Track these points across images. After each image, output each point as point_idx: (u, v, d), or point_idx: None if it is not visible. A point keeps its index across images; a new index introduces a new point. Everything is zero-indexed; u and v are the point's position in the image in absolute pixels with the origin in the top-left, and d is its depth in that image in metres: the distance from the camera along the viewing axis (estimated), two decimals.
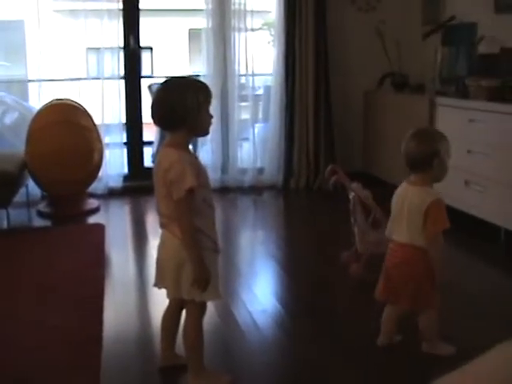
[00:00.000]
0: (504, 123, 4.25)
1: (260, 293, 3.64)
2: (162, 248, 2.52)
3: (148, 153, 6.83)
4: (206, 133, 2.55)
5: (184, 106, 2.33)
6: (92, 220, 5.09)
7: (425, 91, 5.56)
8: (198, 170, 2.40)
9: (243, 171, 6.26)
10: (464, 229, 4.50)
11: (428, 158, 2.66)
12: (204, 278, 2.36)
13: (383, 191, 5.78)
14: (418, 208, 2.65)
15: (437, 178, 2.73)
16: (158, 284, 2.57)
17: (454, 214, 2.87)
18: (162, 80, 2.51)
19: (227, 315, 3.26)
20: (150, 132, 7.48)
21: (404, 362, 2.80)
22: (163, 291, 2.55)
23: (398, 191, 2.81)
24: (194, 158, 2.48)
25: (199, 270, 2.35)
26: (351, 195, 3.78)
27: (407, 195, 2.73)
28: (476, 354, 1.01)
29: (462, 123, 4.60)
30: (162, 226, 2.50)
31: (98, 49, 5.86)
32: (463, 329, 3.05)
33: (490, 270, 4.04)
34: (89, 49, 5.87)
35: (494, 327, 3.03)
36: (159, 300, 3.48)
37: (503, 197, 4.25)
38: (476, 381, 0.76)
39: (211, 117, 2.47)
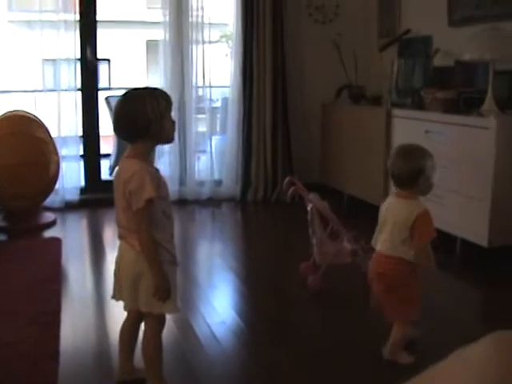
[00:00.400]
0: (459, 134, 4.32)
1: (219, 305, 3.62)
2: (119, 260, 2.50)
3: (105, 165, 6.78)
4: (170, 140, 2.52)
5: (145, 115, 2.32)
6: (48, 234, 5.02)
7: (381, 103, 5.62)
8: (158, 181, 2.39)
9: (201, 183, 6.25)
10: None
11: (414, 176, 2.72)
12: (165, 288, 2.35)
13: (341, 202, 5.86)
14: (405, 221, 2.70)
15: (422, 193, 2.80)
16: (116, 296, 2.54)
17: None
18: (120, 92, 2.49)
19: (186, 328, 3.24)
20: (107, 144, 7.43)
21: (364, 369, 2.81)
22: (121, 305, 2.52)
23: (386, 204, 2.85)
24: (154, 169, 2.47)
25: (160, 280, 2.34)
26: (309, 206, 3.79)
27: (393, 208, 2.78)
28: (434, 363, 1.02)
29: (418, 134, 4.65)
30: (121, 237, 2.48)
31: (55, 60, 5.79)
32: (428, 336, 3.07)
33: (446, 280, 4.08)
34: (45, 60, 5.80)
35: (452, 336, 3.06)
36: (117, 314, 3.44)
37: (459, 207, 4.31)
38: None
39: (174, 123, 2.45)
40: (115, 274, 2.53)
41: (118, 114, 2.39)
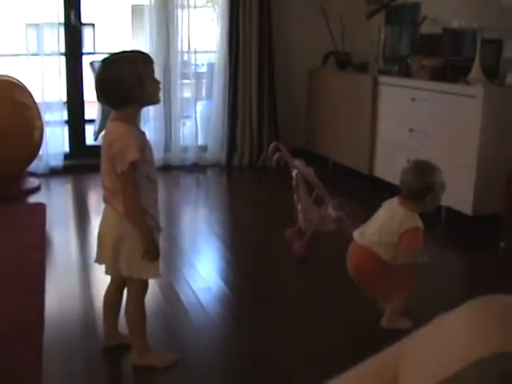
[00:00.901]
0: (445, 102, 4.32)
1: (203, 271, 3.62)
2: (103, 223, 2.49)
3: (90, 131, 6.72)
4: (155, 102, 2.49)
5: (123, 82, 2.29)
6: (33, 200, 4.99)
7: (368, 70, 5.59)
8: (143, 144, 2.37)
9: (186, 149, 6.22)
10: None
11: (423, 192, 2.76)
12: (154, 249, 2.35)
13: (326, 169, 5.87)
14: (396, 229, 2.74)
15: (427, 208, 2.84)
16: (99, 260, 2.54)
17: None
18: (104, 57, 2.46)
19: (171, 293, 3.24)
20: (92, 110, 7.37)
21: (352, 332, 2.83)
22: (103, 268, 2.52)
23: (386, 204, 2.87)
24: (140, 132, 2.45)
25: (148, 242, 2.34)
26: (294, 172, 3.79)
27: (392, 212, 2.80)
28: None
29: (404, 102, 4.65)
30: (105, 200, 2.47)
31: (38, 24, 5.71)
32: (412, 303, 3.09)
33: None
34: (28, 24, 5.72)
35: (437, 304, 3.08)
36: (102, 280, 3.44)
37: (444, 175, 4.31)
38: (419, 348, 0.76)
39: (158, 83, 2.42)
40: (98, 237, 2.52)
41: (98, 81, 2.36)
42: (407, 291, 2.86)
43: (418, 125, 4.55)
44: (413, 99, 4.59)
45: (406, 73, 4.96)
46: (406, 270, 2.83)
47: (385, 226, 2.78)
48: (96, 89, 2.37)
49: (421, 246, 2.77)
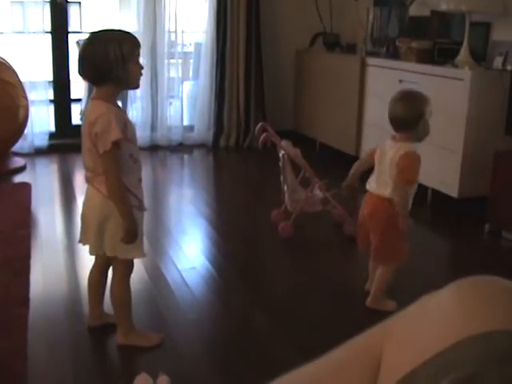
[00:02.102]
0: (433, 85, 4.31)
1: (189, 251, 3.62)
2: (86, 204, 2.48)
3: (76, 110, 6.67)
4: (135, 85, 2.47)
5: (106, 58, 2.26)
6: (18, 179, 4.96)
7: (356, 51, 5.58)
8: (125, 123, 2.35)
9: (172, 129, 6.20)
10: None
11: (413, 120, 2.75)
12: (133, 231, 2.34)
13: (313, 150, 5.86)
14: (392, 160, 2.74)
15: (419, 137, 2.83)
16: (82, 241, 2.52)
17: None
18: (92, 31, 2.43)
19: (156, 273, 3.24)
20: (79, 89, 7.32)
21: (335, 316, 2.84)
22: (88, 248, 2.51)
23: (382, 147, 2.86)
24: (122, 111, 2.43)
25: (129, 223, 2.32)
26: (281, 153, 3.78)
27: (387, 149, 2.81)
28: None
29: (392, 84, 4.64)
30: (87, 180, 2.45)
31: (23, 2, 5.64)
32: (398, 285, 3.10)
33: (416, 229, 4.12)
34: (13, 1, 5.65)
35: (422, 285, 3.10)
36: (87, 259, 3.43)
37: (431, 158, 4.32)
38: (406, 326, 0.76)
39: (141, 68, 2.42)
40: (82, 218, 2.51)
41: (80, 56, 2.34)
42: (399, 261, 2.88)
43: None
44: (400, 81, 4.58)
45: (393, 55, 4.95)
46: (403, 235, 2.85)
47: (383, 164, 2.79)
48: (78, 62, 2.34)
49: (416, 182, 2.78)
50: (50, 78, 5.93)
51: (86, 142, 2.36)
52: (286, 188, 3.81)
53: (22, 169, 5.19)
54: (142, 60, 2.43)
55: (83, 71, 2.36)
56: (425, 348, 0.66)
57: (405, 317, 0.76)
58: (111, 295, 2.54)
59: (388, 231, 2.81)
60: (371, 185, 2.86)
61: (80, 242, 2.54)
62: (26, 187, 4.65)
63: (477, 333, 0.63)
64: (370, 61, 5.10)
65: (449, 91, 4.18)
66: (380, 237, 2.83)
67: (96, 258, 2.60)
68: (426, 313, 0.73)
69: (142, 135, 5.99)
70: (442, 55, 4.54)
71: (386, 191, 2.77)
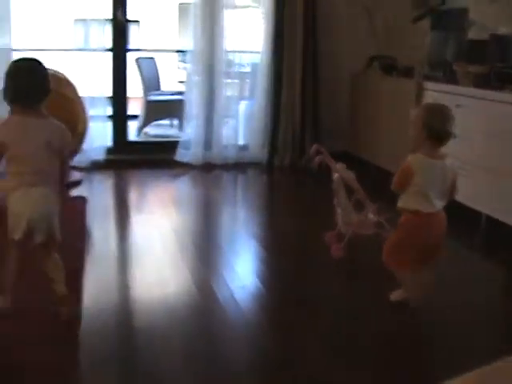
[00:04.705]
0: (490, 110, 4.26)
1: (241, 270, 3.63)
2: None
3: (132, 127, 6.78)
4: None
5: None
6: (74, 193, 5.05)
7: (413, 75, 5.55)
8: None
9: (228, 148, 6.24)
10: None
11: (447, 137, 2.93)
12: None
13: (367, 173, 5.83)
14: (445, 177, 2.92)
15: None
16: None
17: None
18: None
19: (207, 291, 3.25)
20: (136, 106, 7.45)
21: (383, 335, 2.81)
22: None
23: (427, 168, 2.91)
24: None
25: None
26: (335, 176, 3.77)
27: (437, 169, 2.92)
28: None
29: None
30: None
31: (85, 20, 5.78)
32: (449, 316, 3.06)
33: (469, 256, 4.06)
34: (76, 20, 5.79)
35: (477, 314, 3.06)
36: (140, 273, 3.48)
37: (486, 183, 4.27)
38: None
39: None
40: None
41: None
42: None
43: (462, 132, 4.47)
44: (458, 106, 4.53)
45: (451, 79, 4.91)
46: None
47: (442, 182, 2.90)
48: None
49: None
50: (109, 94, 6.05)
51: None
52: (339, 210, 3.80)
53: (78, 182, 5.28)
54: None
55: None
56: None
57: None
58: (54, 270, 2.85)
59: None
60: (436, 203, 2.91)
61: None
62: (82, 201, 4.73)
63: None
64: (427, 85, 5.06)
65: (507, 116, 4.12)
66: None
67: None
68: None
69: (196, 153, 6.06)
70: (500, 80, 4.48)
71: (442, 202, 2.95)
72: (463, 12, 5.29)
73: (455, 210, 4.44)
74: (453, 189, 2.94)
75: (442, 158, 2.93)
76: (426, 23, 5.68)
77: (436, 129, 2.88)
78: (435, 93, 4.93)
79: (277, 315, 3.07)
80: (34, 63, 2.82)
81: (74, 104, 5.10)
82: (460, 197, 4.41)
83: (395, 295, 3.11)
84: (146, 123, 7.96)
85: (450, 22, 5.45)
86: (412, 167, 2.91)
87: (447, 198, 2.96)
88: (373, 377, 2.51)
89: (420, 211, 2.91)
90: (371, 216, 3.78)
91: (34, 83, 2.77)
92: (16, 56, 3.17)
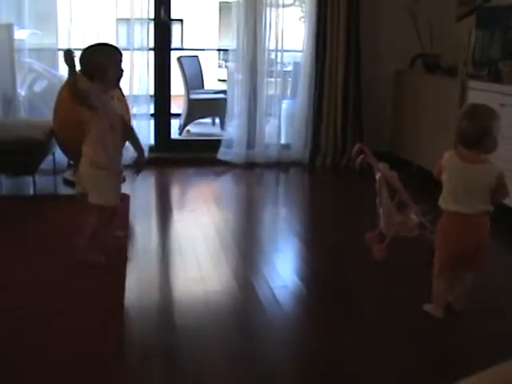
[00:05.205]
0: None
1: (282, 269, 3.63)
2: None
3: (175, 125, 6.82)
4: (112, 86, 3.47)
5: (90, 63, 3.28)
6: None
7: (457, 74, 5.48)
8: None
9: (270, 147, 6.24)
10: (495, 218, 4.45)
11: (479, 136, 2.74)
12: None
13: (410, 174, 5.78)
14: (483, 183, 2.79)
15: (487, 151, 2.82)
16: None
17: None
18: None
19: (249, 290, 3.27)
20: (178, 104, 7.49)
21: (425, 338, 2.79)
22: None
23: (455, 168, 2.86)
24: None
25: None
26: (377, 176, 3.75)
27: (466, 171, 2.82)
28: None
29: (493, 107, 4.53)
30: None
31: (128, 20, 5.84)
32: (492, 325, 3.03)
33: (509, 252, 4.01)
34: (119, 19, 5.85)
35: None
36: (181, 270, 3.51)
37: None
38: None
39: (121, 72, 3.37)
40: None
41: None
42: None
43: (507, 132, 4.42)
44: (502, 105, 4.47)
45: (495, 77, 4.84)
46: None
47: (476, 185, 2.80)
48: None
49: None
50: (152, 92, 6.10)
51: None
52: (381, 211, 3.78)
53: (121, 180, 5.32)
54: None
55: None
56: None
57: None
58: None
59: (488, 240, 2.88)
60: (471, 205, 2.82)
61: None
62: (124, 198, 4.76)
63: None
64: (471, 84, 5.00)
65: None
66: (485, 249, 2.87)
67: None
68: None
69: (238, 152, 6.08)
70: None
71: (482, 206, 2.82)
72: (509, 9, 5.21)
73: (507, 214, 4.40)
74: (499, 192, 2.81)
75: (480, 162, 2.81)
76: (471, 21, 5.62)
77: (462, 132, 2.80)
78: (479, 92, 4.87)
79: (317, 315, 3.06)
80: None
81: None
82: (509, 200, 4.36)
83: (428, 307, 3.03)
84: (188, 121, 8.01)
85: (495, 19, 5.38)
86: (442, 162, 2.91)
87: (490, 202, 2.84)
88: (412, 375, 2.50)
89: (447, 210, 2.87)
90: (413, 217, 3.75)
91: None
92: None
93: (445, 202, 2.89)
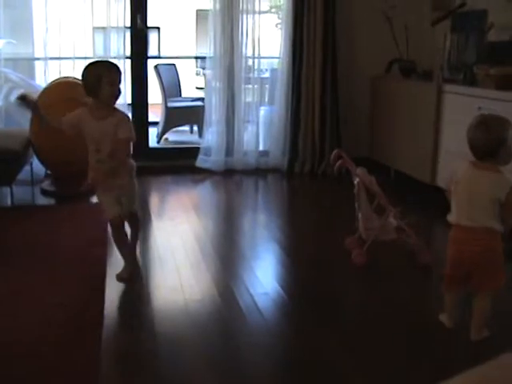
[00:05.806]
0: None
1: (262, 276, 3.63)
2: None
3: (153, 133, 6.80)
4: (106, 101, 3.36)
5: (86, 80, 3.33)
6: (95, 199, 5.06)
7: (432, 78, 5.52)
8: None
9: (248, 154, 6.24)
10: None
11: (495, 147, 2.60)
12: None
13: (388, 178, 5.81)
14: (493, 195, 2.61)
15: (503, 162, 2.67)
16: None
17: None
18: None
19: (229, 297, 3.26)
20: (156, 113, 7.47)
21: (406, 342, 2.80)
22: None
23: (465, 176, 2.72)
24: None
25: None
26: (356, 181, 3.76)
27: (476, 180, 2.67)
28: None
29: (470, 111, 4.56)
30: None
31: (105, 28, 5.82)
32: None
33: None
34: (95, 28, 5.84)
35: None
36: (161, 279, 3.50)
37: None
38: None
39: (112, 89, 3.30)
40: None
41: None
42: (503, 283, 2.75)
43: None
44: (479, 108, 4.51)
45: (471, 81, 4.88)
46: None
47: (494, 202, 2.62)
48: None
49: None
50: (129, 101, 6.08)
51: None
52: (360, 215, 3.79)
53: None
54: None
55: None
56: None
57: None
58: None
59: (500, 258, 2.71)
60: (472, 217, 2.68)
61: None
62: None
63: None
64: (447, 88, 5.04)
65: None
66: (485, 270, 2.71)
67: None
68: None
69: (216, 159, 6.07)
70: None
71: (485, 221, 2.64)
72: (482, 14, 5.26)
73: None
74: (506, 209, 2.62)
75: (490, 170, 2.64)
76: (445, 25, 5.66)
77: (474, 143, 2.66)
78: (455, 95, 4.91)
79: (298, 321, 3.06)
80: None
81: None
82: None
83: (443, 317, 2.95)
84: (166, 130, 7.99)
85: (469, 23, 5.42)
86: (456, 169, 2.78)
87: (501, 221, 2.66)
88: (395, 380, 2.50)
89: (451, 220, 2.76)
90: (392, 220, 3.76)
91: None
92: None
93: (451, 212, 2.78)
